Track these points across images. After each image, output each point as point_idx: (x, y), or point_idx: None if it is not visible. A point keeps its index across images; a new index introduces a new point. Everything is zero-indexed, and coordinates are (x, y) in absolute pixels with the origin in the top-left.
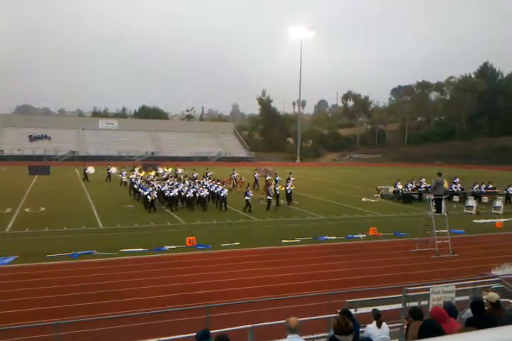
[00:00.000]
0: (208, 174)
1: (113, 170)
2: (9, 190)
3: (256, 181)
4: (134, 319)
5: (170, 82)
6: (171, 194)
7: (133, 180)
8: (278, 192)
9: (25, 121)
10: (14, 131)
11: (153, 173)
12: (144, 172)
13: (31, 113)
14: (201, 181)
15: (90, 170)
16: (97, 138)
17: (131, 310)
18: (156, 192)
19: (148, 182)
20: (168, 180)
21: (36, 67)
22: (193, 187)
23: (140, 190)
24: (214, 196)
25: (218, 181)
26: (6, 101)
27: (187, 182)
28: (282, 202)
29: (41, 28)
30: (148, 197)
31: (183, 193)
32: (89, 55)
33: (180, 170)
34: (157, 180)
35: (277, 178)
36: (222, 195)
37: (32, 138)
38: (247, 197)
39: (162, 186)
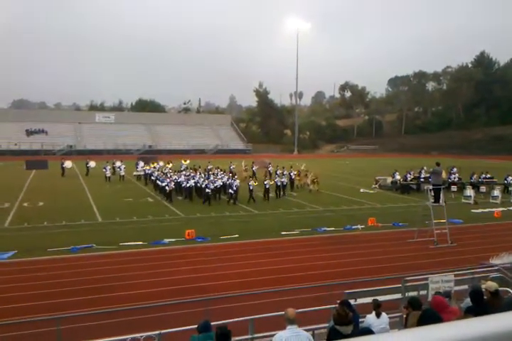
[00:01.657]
0: (231, 167)
1: (92, 164)
2: (7, 184)
3: (270, 173)
4: (134, 312)
5: (167, 75)
6: (188, 185)
7: (147, 171)
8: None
9: (22, 116)
10: (11, 125)
11: (154, 165)
12: (151, 165)
13: (28, 107)
14: (215, 172)
15: (67, 164)
16: (94, 132)
17: (130, 303)
18: (173, 184)
19: (165, 174)
20: (185, 172)
21: (32, 61)
22: (208, 179)
23: (158, 181)
24: (227, 187)
25: (230, 172)
26: (1, 95)
27: (202, 174)
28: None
29: (37, 22)
30: (167, 188)
31: (198, 184)
32: (85, 48)
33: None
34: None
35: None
36: (233, 185)
37: (29, 133)
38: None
39: (179, 177)
